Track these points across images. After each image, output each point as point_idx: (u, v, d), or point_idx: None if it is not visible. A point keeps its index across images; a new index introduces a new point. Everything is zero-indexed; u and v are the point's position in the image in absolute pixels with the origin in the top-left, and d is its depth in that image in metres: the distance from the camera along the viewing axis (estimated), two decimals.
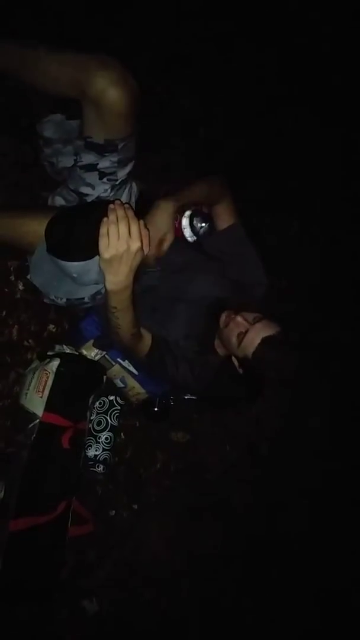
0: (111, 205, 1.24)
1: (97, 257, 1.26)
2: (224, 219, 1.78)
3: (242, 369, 1.60)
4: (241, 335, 1.52)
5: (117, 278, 1.24)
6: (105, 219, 1.21)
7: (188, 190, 1.62)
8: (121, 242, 1.19)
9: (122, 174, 1.55)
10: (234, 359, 1.61)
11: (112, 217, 1.21)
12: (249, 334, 1.51)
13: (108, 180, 1.54)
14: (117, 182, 1.56)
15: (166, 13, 2.37)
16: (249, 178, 2.68)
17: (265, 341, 1.49)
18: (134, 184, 1.70)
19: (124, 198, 1.65)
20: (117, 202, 1.26)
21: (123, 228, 1.19)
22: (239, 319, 1.54)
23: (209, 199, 1.73)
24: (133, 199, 1.71)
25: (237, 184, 2.55)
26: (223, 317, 1.59)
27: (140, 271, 1.32)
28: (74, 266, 1.42)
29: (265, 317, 1.55)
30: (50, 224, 1.44)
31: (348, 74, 3.14)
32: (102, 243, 1.20)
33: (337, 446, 3.01)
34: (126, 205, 1.26)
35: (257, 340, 1.49)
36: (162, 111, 2.39)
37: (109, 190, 1.57)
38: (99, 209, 1.27)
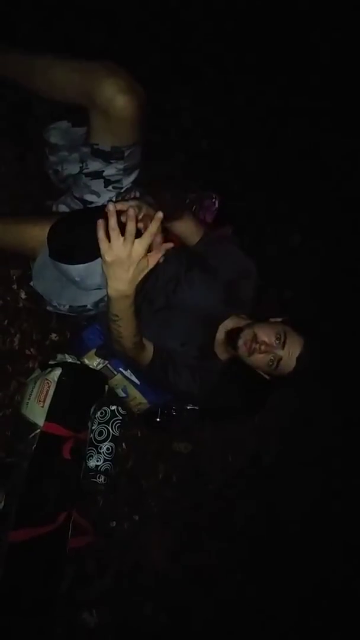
0: None
1: (99, 260, 1.23)
2: (194, 232, 1.76)
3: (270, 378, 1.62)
4: (273, 363, 1.53)
5: (119, 284, 1.21)
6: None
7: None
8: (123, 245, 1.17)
9: (127, 181, 1.55)
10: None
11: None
12: (284, 360, 1.53)
13: (113, 188, 1.54)
14: (122, 190, 1.56)
15: (169, 25, 2.38)
16: (250, 190, 2.68)
17: (300, 359, 1.52)
18: (138, 193, 1.70)
19: None
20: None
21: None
22: (263, 347, 1.52)
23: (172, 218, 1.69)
24: None
25: (239, 195, 2.57)
26: (241, 342, 1.56)
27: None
28: (75, 269, 1.41)
29: (284, 327, 1.56)
30: (52, 228, 1.43)
31: (348, 83, 3.15)
32: (104, 245, 1.17)
33: (342, 454, 3.00)
34: None
35: (294, 363, 1.53)
36: (166, 123, 2.40)
37: (114, 198, 1.56)
38: (102, 213, 1.25)
